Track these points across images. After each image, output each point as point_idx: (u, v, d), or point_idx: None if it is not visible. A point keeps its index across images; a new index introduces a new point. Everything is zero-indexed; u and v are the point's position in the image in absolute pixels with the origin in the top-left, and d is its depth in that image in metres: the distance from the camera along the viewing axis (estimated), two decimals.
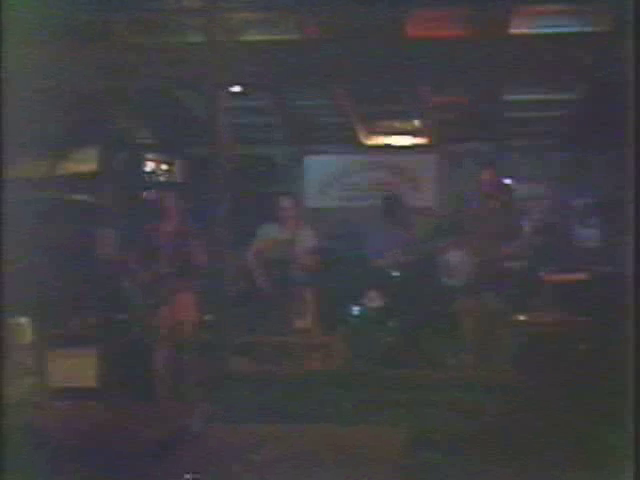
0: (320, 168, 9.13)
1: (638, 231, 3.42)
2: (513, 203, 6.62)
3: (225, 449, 4.21)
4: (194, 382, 5.78)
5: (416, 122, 8.80)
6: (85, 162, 6.60)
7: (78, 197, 6.90)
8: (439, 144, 8.93)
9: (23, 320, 5.56)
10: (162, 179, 8.34)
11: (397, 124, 8.82)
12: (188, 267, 5.99)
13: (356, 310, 6.77)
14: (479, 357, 5.96)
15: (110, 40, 6.10)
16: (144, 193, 7.78)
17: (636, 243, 3.40)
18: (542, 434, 4.52)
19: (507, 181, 7.55)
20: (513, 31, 6.24)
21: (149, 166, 8.32)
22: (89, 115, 6.12)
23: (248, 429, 4.59)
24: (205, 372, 5.83)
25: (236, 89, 6.79)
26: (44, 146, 5.64)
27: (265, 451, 4.06)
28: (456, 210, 7.12)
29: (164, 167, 8.41)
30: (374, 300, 6.78)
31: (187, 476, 3.74)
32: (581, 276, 6.82)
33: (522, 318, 6.29)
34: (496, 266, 6.14)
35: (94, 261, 6.38)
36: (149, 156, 8.34)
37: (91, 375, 5.68)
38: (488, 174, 6.35)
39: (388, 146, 8.95)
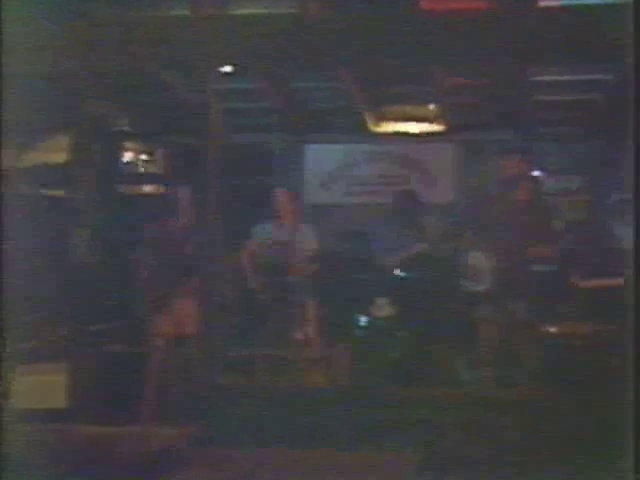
0: (322, 159, 9.20)
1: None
2: (541, 198, 6.65)
3: (215, 477, 4.22)
4: (178, 401, 5.85)
5: (431, 107, 8.85)
6: (55, 152, 6.64)
7: (46, 192, 6.93)
8: (457, 132, 8.97)
9: None
10: (142, 171, 8.43)
11: (409, 109, 8.89)
12: (177, 270, 6.15)
13: (362, 320, 6.86)
14: (502, 373, 6.00)
15: (84, 14, 6.13)
16: (120, 187, 7.83)
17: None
18: (571, 458, 4.57)
19: (534, 173, 7.58)
20: (541, 3, 6.28)
21: (127, 156, 8.39)
22: (60, 99, 6.15)
23: (240, 454, 4.59)
24: (191, 390, 5.87)
25: (227, 69, 6.81)
26: (8, 133, 5.68)
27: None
28: (476, 206, 7.15)
29: (144, 157, 8.50)
30: (383, 309, 6.88)
31: None
32: (618, 281, 6.82)
33: (552, 329, 6.32)
34: (521, 269, 6.17)
35: (66, 265, 6.40)
36: (127, 145, 8.42)
37: (61, 395, 5.70)
38: (512, 166, 6.40)
39: (399, 134, 9.02)
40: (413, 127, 9.01)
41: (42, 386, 5.66)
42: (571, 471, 4.49)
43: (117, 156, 8.18)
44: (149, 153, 8.52)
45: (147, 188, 8.02)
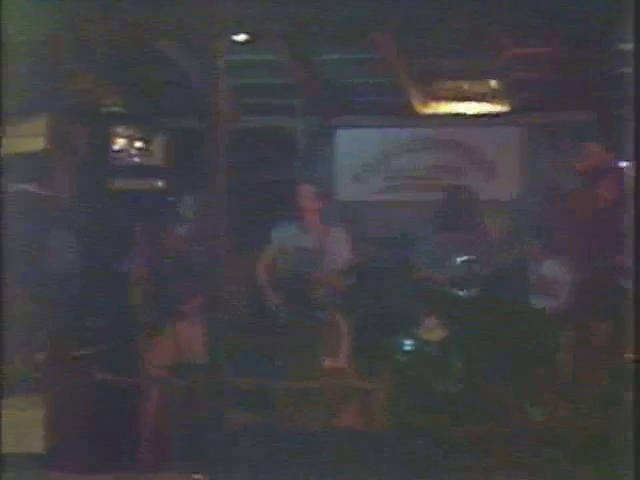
0: (356, 147, 9.19)
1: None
2: (627, 194, 6.63)
3: None
4: (179, 443, 5.93)
5: (492, 82, 8.86)
6: (32, 137, 6.69)
7: (17, 187, 7.00)
8: (523, 113, 8.95)
9: None
10: (137, 161, 8.41)
11: (463, 86, 8.89)
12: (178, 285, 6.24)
13: (407, 344, 6.82)
14: (579, 408, 5.99)
15: None
16: (109, 181, 7.91)
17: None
18: None
19: (620, 164, 7.54)
20: None
21: (119, 143, 8.39)
22: (38, 74, 6.21)
23: None
24: (195, 430, 5.94)
25: (240, 38, 6.85)
26: None
27: None
28: (547, 204, 7.14)
29: (139, 145, 8.48)
30: (433, 331, 6.83)
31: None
32: None
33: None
34: (605, 282, 6.14)
35: (42, 275, 6.48)
36: (119, 130, 8.42)
37: (39, 436, 5.76)
38: (593, 155, 6.37)
39: (452, 116, 9.01)
40: (469, 107, 9.01)
41: (13, 425, 5.70)
42: None
43: (105, 143, 8.24)
44: (144, 140, 8.51)
45: (142, 183, 8.03)
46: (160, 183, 7.39)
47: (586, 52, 7.95)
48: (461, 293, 7.05)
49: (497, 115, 9.00)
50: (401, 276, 7.30)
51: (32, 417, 5.78)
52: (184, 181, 6.50)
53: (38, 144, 6.55)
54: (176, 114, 8.36)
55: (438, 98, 8.97)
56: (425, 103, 8.99)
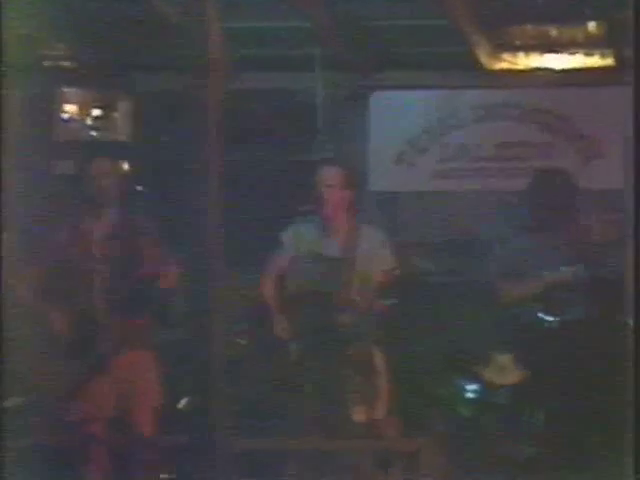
0: (401, 116, 9.17)
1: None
2: None
3: None
4: None
5: (590, 25, 8.74)
6: None
7: None
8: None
9: None
10: (93, 134, 8.40)
11: (552, 31, 8.81)
12: (141, 301, 6.24)
13: (469, 390, 6.84)
14: None
15: None
16: (55, 162, 7.84)
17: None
18: None
19: None
20: None
21: (70, 109, 8.39)
22: None
23: None
24: None
25: None
26: None
27: None
28: None
29: (96, 113, 8.48)
30: (506, 372, 6.87)
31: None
32: None
33: None
34: None
35: None
36: (71, 90, 8.43)
37: None
38: None
39: (536, 74, 9.03)
40: (560, 62, 9.00)
41: None
42: None
43: (49, 111, 8.23)
44: (104, 106, 8.55)
45: (100, 163, 8.02)
46: (125, 166, 7.33)
47: None
48: (548, 318, 7.02)
49: (601, 71, 8.99)
50: (463, 295, 7.37)
51: None
52: (158, 163, 6.45)
53: None
54: (148, 70, 8.40)
55: (516, 49, 8.95)
56: (498, 55, 8.98)
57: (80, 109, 8.50)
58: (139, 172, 7.39)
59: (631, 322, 6.02)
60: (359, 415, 6.59)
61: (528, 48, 8.98)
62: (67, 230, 6.59)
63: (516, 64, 9.04)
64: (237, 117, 6.46)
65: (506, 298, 7.13)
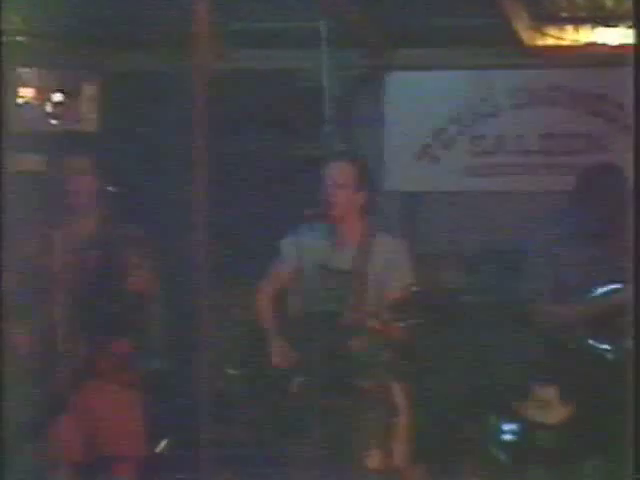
0: (423, 101, 9.24)
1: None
2: None
3: None
4: None
5: None
6: None
7: None
8: None
9: None
10: (54, 123, 8.51)
11: (606, 1, 8.80)
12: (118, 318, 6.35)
13: (507, 429, 6.85)
14: None
15: None
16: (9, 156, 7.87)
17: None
18: None
19: None
20: None
21: (24, 95, 8.50)
22: None
23: None
24: None
25: None
26: None
27: None
28: None
29: (57, 98, 8.58)
30: (549, 405, 6.89)
31: None
32: None
33: None
34: None
35: None
36: (27, 71, 8.54)
37: None
38: None
39: (585, 52, 9.06)
40: (616, 36, 9.00)
41: None
42: None
43: (2, 94, 8.29)
44: (66, 90, 8.61)
45: (61, 161, 7.81)
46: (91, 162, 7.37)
47: None
48: (601, 346, 7.04)
49: None
50: (499, 317, 7.40)
51: None
52: (132, 157, 6.42)
53: None
54: (119, 46, 8.45)
55: (563, 20, 8.98)
56: (541, 28, 9.00)
57: (38, 93, 8.61)
58: (107, 169, 7.46)
59: None
60: (374, 462, 6.56)
61: (577, 20, 9.00)
62: (29, 239, 6.63)
63: (563, 39, 9.06)
64: (227, 103, 6.41)
65: (551, 321, 7.18)
